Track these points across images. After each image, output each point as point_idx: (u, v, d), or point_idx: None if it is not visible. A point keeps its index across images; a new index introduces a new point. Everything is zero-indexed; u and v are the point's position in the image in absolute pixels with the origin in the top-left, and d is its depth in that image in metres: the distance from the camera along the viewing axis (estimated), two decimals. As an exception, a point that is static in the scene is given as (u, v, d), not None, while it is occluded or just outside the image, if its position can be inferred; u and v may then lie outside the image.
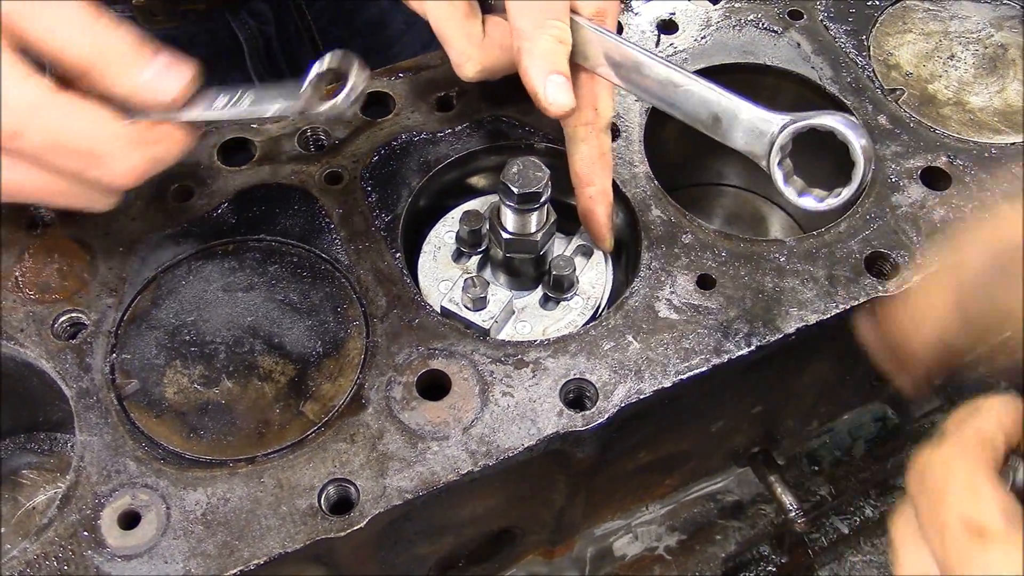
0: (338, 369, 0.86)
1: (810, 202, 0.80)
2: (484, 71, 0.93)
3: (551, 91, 0.84)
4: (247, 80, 1.33)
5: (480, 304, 0.91)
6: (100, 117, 0.77)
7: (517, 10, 0.85)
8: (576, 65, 0.88)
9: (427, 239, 0.98)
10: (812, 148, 0.82)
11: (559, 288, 0.95)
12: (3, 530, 0.97)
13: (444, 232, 0.99)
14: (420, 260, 0.97)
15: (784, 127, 0.80)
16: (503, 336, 0.93)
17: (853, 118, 0.80)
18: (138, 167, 0.79)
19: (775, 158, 0.81)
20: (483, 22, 0.92)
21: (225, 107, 0.80)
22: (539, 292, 0.96)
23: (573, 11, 0.88)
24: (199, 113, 0.80)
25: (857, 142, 0.77)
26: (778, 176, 0.81)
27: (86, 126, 0.77)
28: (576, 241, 0.99)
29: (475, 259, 0.97)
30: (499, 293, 0.92)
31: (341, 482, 0.80)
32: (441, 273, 0.96)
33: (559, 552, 1.14)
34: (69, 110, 0.76)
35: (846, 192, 0.78)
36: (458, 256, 0.97)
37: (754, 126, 0.82)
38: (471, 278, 0.90)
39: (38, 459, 1.01)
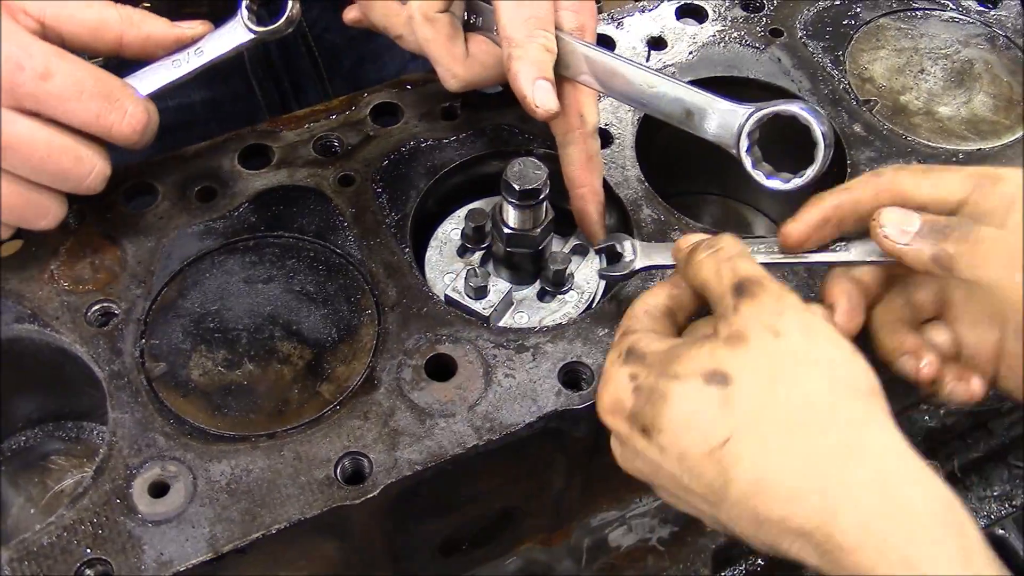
0: (352, 353, 0.93)
1: (777, 183, 0.87)
2: (467, 85, 1.03)
3: (539, 95, 0.92)
4: (248, 87, 1.39)
5: (481, 293, 0.98)
6: (104, 71, 0.88)
7: (509, 22, 0.93)
8: (560, 75, 0.96)
9: (434, 235, 1.06)
10: (782, 139, 0.89)
11: (556, 283, 1.02)
12: (32, 511, 1.03)
13: (450, 229, 1.06)
14: (427, 254, 1.04)
15: (749, 116, 0.88)
16: (502, 324, 1.00)
17: (814, 105, 0.87)
18: (141, 118, 0.89)
19: (743, 145, 0.88)
20: (466, 40, 1.01)
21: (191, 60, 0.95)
22: (537, 286, 1.03)
23: (556, 25, 0.96)
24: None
25: (817, 125, 0.84)
26: (747, 162, 0.89)
27: (102, 73, 0.87)
28: (572, 241, 1.06)
29: (478, 254, 1.04)
30: (499, 284, 0.99)
31: (355, 455, 0.86)
32: (446, 267, 1.03)
33: (556, 540, 1.19)
34: (83, 62, 0.86)
35: (810, 172, 0.85)
36: (463, 251, 1.04)
37: (723, 117, 0.90)
38: (473, 269, 0.97)
39: (66, 446, 1.07)
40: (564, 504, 1.10)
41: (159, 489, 0.84)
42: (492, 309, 0.97)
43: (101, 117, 0.86)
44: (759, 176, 0.88)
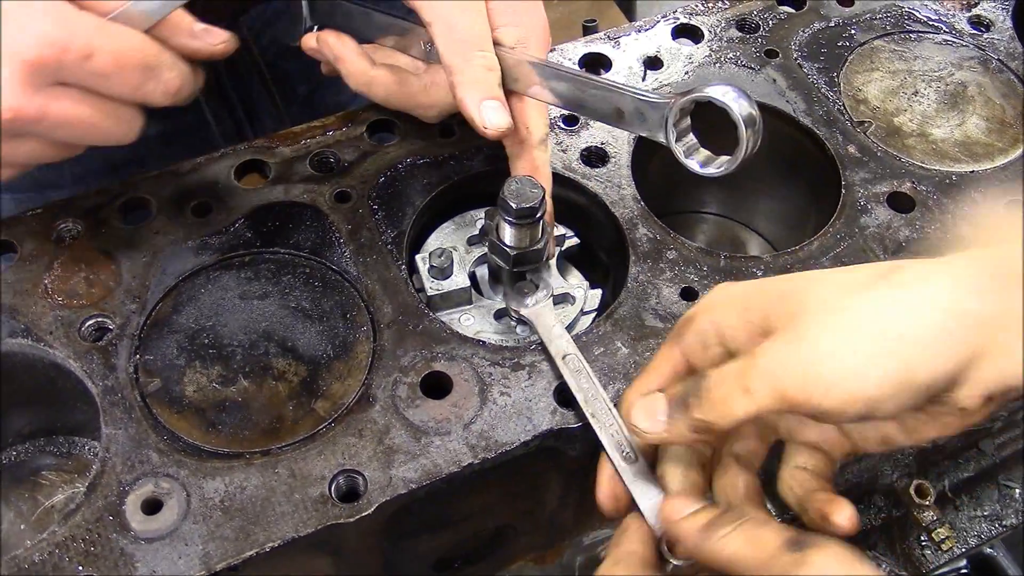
0: (347, 370, 0.93)
1: (711, 170, 0.88)
2: (445, 114, 1.04)
3: (486, 115, 0.93)
4: (202, 119, 1.37)
5: (438, 275, 1.00)
6: (144, 37, 0.86)
7: (446, 49, 0.94)
8: (509, 90, 0.97)
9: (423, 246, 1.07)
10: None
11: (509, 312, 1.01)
12: (23, 527, 1.02)
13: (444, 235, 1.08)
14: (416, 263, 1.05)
15: (671, 106, 0.88)
16: (444, 319, 1.00)
17: (738, 88, 0.86)
18: (175, 84, 0.89)
19: (671, 135, 0.89)
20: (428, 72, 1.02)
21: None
22: (500, 304, 1.03)
23: (497, 42, 0.96)
24: None
25: (736, 108, 0.83)
26: (678, 151, 0.89)
27: (140, 42, 0.85)
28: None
29: (476, 255, 1.06)
30: (461, 277, 1.01)
31: (350, 473, 0.86)
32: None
33: (549, 558, 1.19)
34: (123, 32, 0.85)
35: (737, 154, 0.85)
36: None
37: (647, 111, 0.90)
38: (440, 248, 0.99)
39: (57, 461, 1.06)
40: (557, 522, 1.10)
41: (152, 506, 0.83)
42: (437, 292, 0.99)
43: (139, 88, 0.87)
44: (691, 165, 0.89)
